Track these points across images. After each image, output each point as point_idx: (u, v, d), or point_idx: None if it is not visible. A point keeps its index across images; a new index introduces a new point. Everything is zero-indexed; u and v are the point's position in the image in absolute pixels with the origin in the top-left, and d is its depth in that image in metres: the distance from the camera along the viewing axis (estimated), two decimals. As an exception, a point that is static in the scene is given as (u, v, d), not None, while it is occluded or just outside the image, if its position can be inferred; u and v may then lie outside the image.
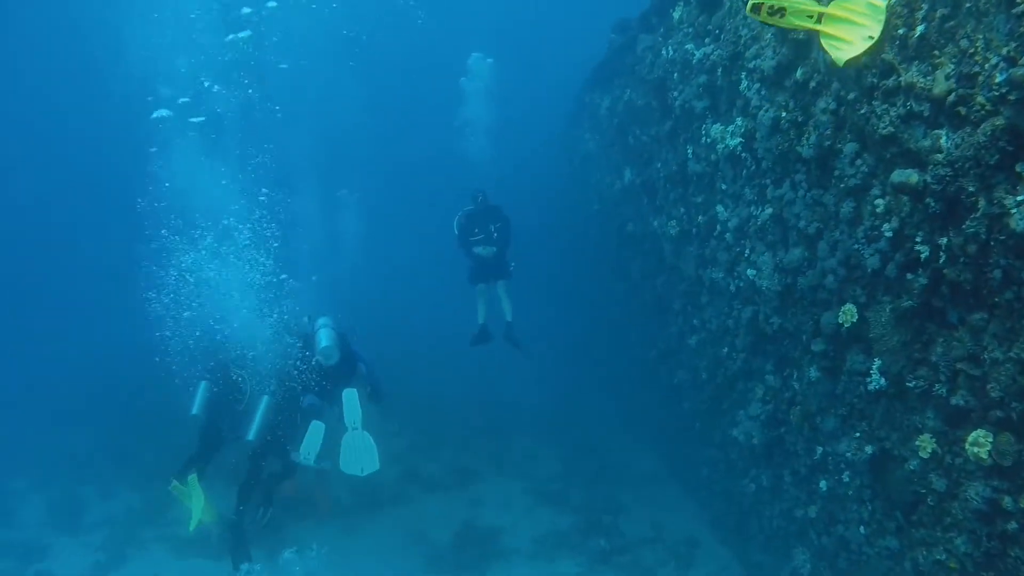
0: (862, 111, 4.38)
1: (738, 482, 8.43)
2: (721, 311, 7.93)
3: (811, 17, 4.18)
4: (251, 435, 8.48)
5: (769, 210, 6.00)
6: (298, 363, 9.04)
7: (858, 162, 4.53)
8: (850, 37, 4.16)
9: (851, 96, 4.47)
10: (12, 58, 25.69)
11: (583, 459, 12.49)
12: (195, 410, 8.67)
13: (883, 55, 4.10)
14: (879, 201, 4.37)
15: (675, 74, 7.99)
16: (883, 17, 4.07)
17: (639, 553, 9.60)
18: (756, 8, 4.15)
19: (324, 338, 8.94)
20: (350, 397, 8.79)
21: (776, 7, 4.14)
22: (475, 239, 11.63)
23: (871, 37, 4.11)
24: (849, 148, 4.58)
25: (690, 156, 7.91)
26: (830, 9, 4.19)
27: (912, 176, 3.82)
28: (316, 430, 8.75)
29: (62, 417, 15.72)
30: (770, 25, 4.37)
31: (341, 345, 9.13)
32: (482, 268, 11.87)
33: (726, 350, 8.03)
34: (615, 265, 12.78)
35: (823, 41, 4.27)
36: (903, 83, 3.95)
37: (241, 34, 9.63)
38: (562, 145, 17.75)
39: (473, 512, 10.99)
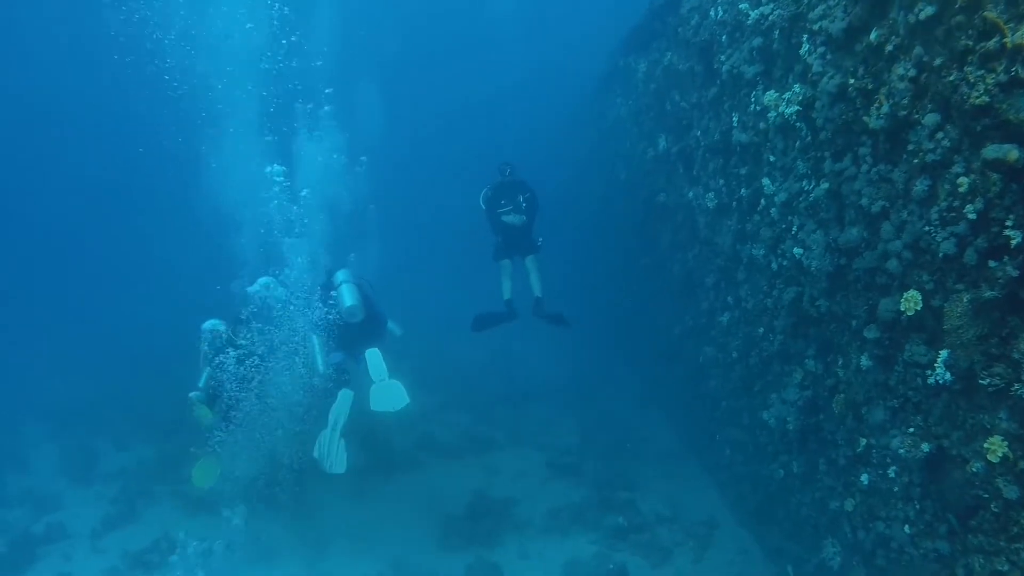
0: (950, 78, 3.94)
1: (766, 466, 8.13)
2: (760, 289, 7.54)
3: None
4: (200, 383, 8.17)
5: (825, 185, 5.58)
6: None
7: (939, 135, 4.11)
8: None
9: (937, 61, 4.04)
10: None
11: (601, 432, 12.29)
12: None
13: (984, 13, 3.66)
14: (962, 179, 3.96)
15: (724, 37, 7.51)
16: None
17: (656, 532, 9.43)
18: None
19: (348, 296, 8.59)
20: (373, 356, 8.59)
21: None
22: (503, 210, 11.26)
23: None
24: (930, 119, 4.15)
25: (735, 125, 7.47)
26: None
27: (1012, 152, 3.41)
28: (344, 399, 8.52)
29: (81, 368, 15.73)
30: None
31: (365, 302, 8.80)
32: (509, 241, 11.43)
33: (762, 330, 7.67)
34: (641, 236, 12.38)
35: None
36: (1009, 45, 3.51)
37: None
38: (590, 110, 17.22)
39: (488, 481, 10.86)
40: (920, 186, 4.33)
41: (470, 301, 12.40)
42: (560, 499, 10.19)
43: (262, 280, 8.54)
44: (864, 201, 4.96)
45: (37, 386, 15.35)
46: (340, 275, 8.92)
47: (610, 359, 15.77)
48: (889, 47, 4.50)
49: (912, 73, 4.27)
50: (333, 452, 8.32)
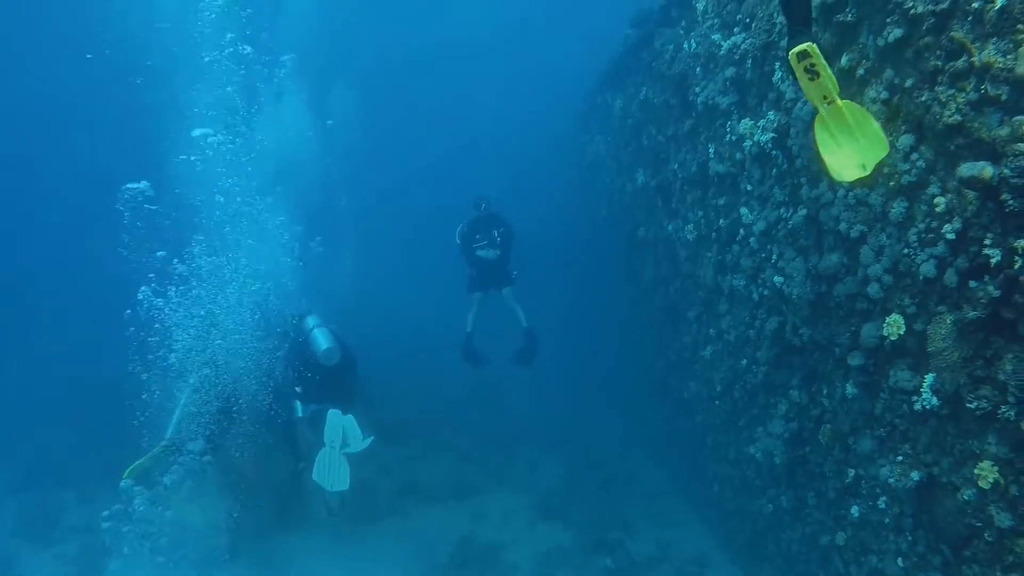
0: (921, 99, 3.92)
1: (754, 501, 7.97)
2: (742, 321, 7.47)
3: (827, 100, 3.85)
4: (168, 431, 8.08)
5: (803, 212, 5.54)
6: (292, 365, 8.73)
7: (914, 156, 4.08)
8: (845, 150, 3.88)
9: (908, 83, 4.02)
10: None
11: (587, 472, 12.06)
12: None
13: (951, 33, 3.65)
14: (939, 199, 3.91)
15: (698, 69, 7.55)
16: (881, 155, 3.75)
17: (646, 573, 9.15)
18: (802, 56, 3.76)
19: (323, 339, 8.53)
20: (334, 418, 8.43)
21: (815, 68, 3.78)
22: (478, 244, 11.40)
23: (863, 167, 3.78)
24: (903, 141, 4.12)
25: (712, 156, 7.47)
26: (844, 105, 3.84)
27: (986, 169, 3.36)
28: (334, 417, 8.43)
29: (45, 419, 15.26)
30: (795, 79, 3.94)
31: (340, 344, 8.69)
32: (484, 275, 11.60)
33: (745, 362, 7.58)
34: (625, 271, 12.34)
35: (817, 132, 4.00)
36: (976, 64, 3.49)
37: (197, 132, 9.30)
38: (570, 148, 17.31)
39: (473, 526, 10.57)
40: (897, 208, 4.29)
41: (452, 318, 12.31)
42: (547, 542, 9.93)
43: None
44: (842, 226, 4.91)
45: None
46: (311, 320, 8.87)
47: (595, 396, 15.61)
48: (860, 71, 4.49)
49: (884, 95, 4.25)
50: (334, 469, 8.16)
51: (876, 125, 3.79)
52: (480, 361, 11.85)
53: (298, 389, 8.74)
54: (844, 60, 4.64)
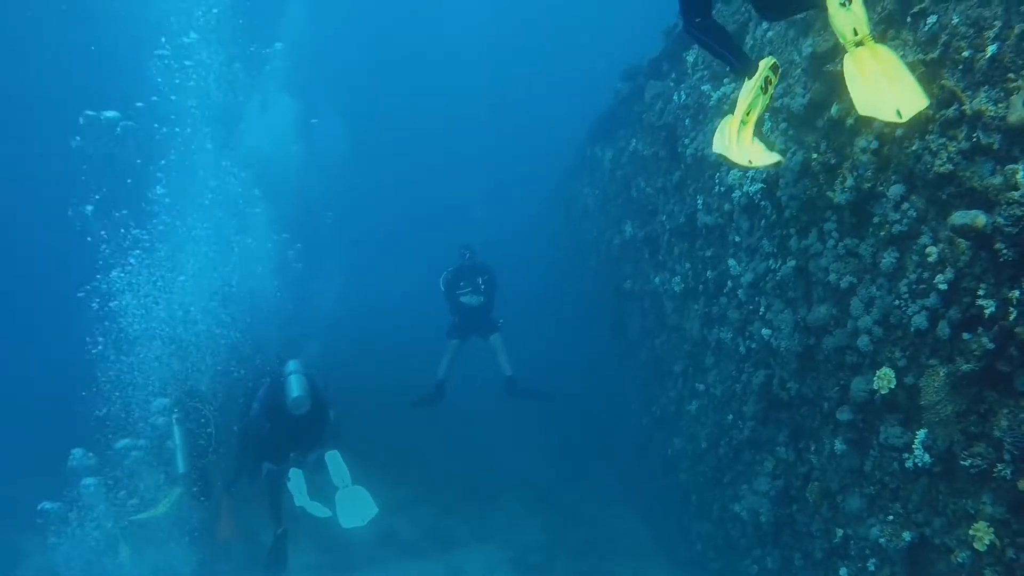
0: (912, 148, 3.89)
1: (739, 562, 7.73)
2: (728, 375, 7.35)
3: (856, 37, 3.48)
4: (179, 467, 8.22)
5: (792, 263, 5.47)
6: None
7: (904, 206, 4.03)
8: (876, 92, 3.44)
9: (899, 132, 3.99)
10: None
11: (569, 528, 11.76)
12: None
13: (942, 81, 3.63)
14: (931, 249, 3.84)
15: (687, 120, 7.58)
16: (921, 107, 3.33)
17: (627, 636, 8.85)
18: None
19: (296, 387, 8.25)
20: (334, 460, 8.27)
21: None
22: (462, 291, 11.35)
23: (899, 114, 3.33)
24: (894, 191, 4.08)
25: (700, 207, 7.44)
26: (877, 49, 3.50)
27: (979, 218, 3.30)
28: (296, 478, 8.24)
29: (10, 465, 14.78)
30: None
31: (312, 393, 8.45)
32: (466, 322, 11.47)
33: (731, 417, 7.43)
34: (612, 324, 12.24)
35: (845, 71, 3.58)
36: (968, 112, 3.46)
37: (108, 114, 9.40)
38: (559, 200, 17.38)
39: (453, 582, 10.26)
40: (888, 259, 4.22)
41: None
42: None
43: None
44: (832, 277, 4.84)
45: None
46: (291, 365, 8.60)
47: (579, 451, 15.34)
48: (850, 120, 4.47)
49: (874, 145, 4.22)
50: (358, 502, 8.10)
51: (912, 77, 3.37)
52: (435, 404, 11.51)
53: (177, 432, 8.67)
54: (834, 110, 4.63)
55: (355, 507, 8.12)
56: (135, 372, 8.67)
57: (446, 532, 11.77)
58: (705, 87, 6.92)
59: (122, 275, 8.87)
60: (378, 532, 11.50)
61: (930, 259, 3.87)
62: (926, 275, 3.94)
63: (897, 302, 4.22)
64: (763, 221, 6.02)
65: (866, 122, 4.25)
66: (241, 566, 9.54)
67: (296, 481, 8.14)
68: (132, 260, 8.95)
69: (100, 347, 8.69)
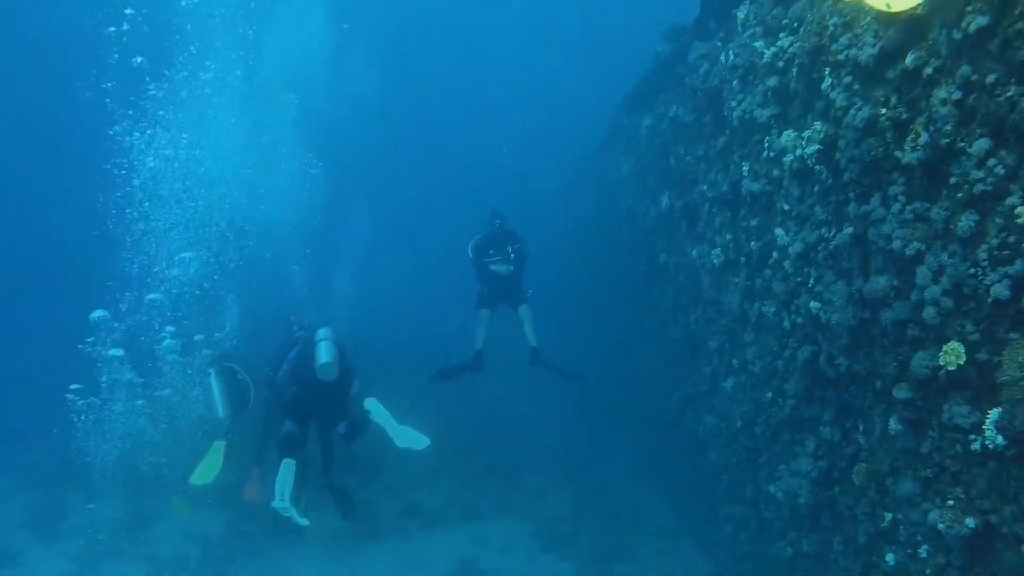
0: (1007, 95, 3.52)
1: (771, 545, 7.47)
2: (769, 350, 7.02)
3: None
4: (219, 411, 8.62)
5: (848, 231, 5.12)
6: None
7: (991, 162, 3.66)
8: None
9: (990, 79, 3.62)
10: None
11: (594, 505, 11.56)
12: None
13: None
14: (1021, 210, 3.49)
15: (735, 81, 7.19)
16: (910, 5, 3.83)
17: (651, 612, 8.65)
18: None
19: (325, 353, 8.35)
20: (375, 406, 8.48)
21: None
22: (491, 259, 11.15)
23: (888, 5, 3.86)
24: (979, 145, 3.71)
25: (746, 174, 7.08)
26: None
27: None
28: (286, 468, 8.20)
29: (56, 421, 14.97)
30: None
31: (341, 361, 8.52)
32: (495, 291, 11.27)
33: (770, 395, 7.12)
34: (643, 299, 11.91)
35: None
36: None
37: None
38: (590, 171, 16.98)
39: (475, 551, 10.22)
40: (965, 222, 3.86)
41: (458, 341, 11.94)
42: (550, 573, 9.48)
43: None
44: (895, 245, 4.48)
45: (8, 437, 14.69)
46: (321, 332, 8.71)
47: (606, 428, 15.13)
48: (928, 70, 4.09)
49: (957, 96, 3.85)
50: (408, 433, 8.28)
51: None
52: (473, 372, 11.26)
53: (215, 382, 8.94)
54: (910, 59, 4.25)
55: (409, 436, 8.36)
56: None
57: (470, 504, 11.67)
58: (757, 44, 6.51)
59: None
60: (403, 503, 11.46)
61: (1019, 221, 3.51)
62: (1012, 239, 3.59)
63: (973, 270, 3.87)
64: (817, 187, 5.66)
65: (948, 71, 3.88)
66: (268, 528, 9.50)
67: (285, 475, 8.07)
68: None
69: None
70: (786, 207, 6.27)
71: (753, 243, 7.11)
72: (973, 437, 4.05)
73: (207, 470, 8.46)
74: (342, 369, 8.53)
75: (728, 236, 7.86)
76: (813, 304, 5.86)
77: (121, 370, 9.05)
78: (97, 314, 9.15)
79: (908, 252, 4.38)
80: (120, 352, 9.16)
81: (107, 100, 9.26)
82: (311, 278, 12.38)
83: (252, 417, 9.37)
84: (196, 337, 9.55)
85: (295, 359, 8.83)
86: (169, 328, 9.38)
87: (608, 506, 11.40)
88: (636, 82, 11.85)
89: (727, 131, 7.57)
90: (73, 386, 9.21)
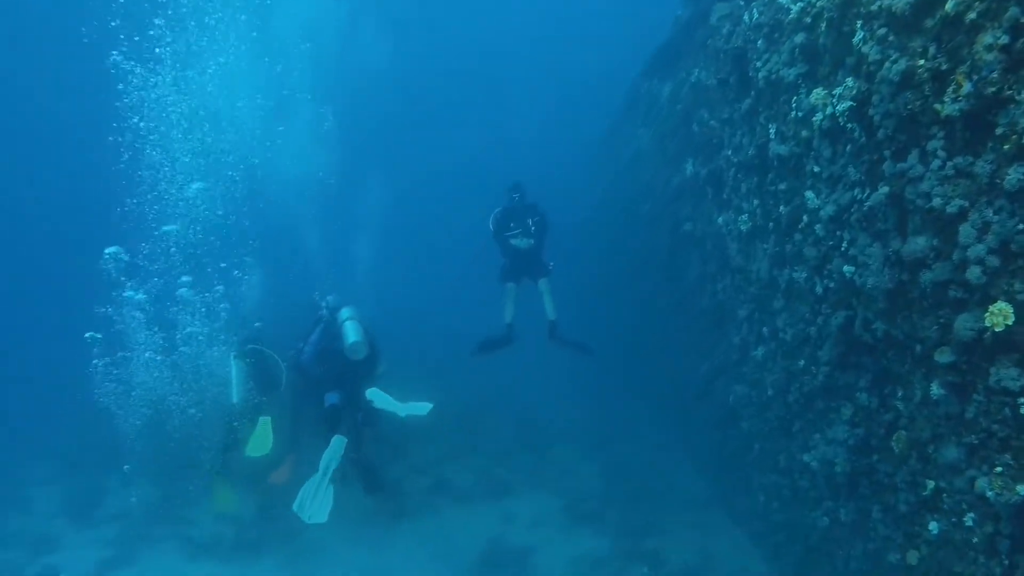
0: (1057, 38, 3.32)
1: (806, 514, 7.36)
2: (801, 317, 6.85)
3: None
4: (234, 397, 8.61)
5: (884, 190, 4.92)
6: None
7: (1042, 111, 3.48)
8: None
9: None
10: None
11: (623, 478, 11.47)
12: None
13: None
14: (1074, 160, 3.31)
15: (759, 41, 6.95)
16: None
17: (685, 584, 8.57)
18: None
19: (353, 332, 8.56)
20: (378, 396, 8.48)
21: None
22: (511, 233, 11.11)
23: None
24: (1028, 93, 3.52)
25: (772, 136, 6.87)
26: None
27: None
28: (337, 445, 8.32)
29: (90, 407, 15.20)
30: None
31: (369, 340, 8.71)
32: (517, 264, 11.28)
33: (803, 363, 6.96)
34: (667, 271, 11.73)
35: None
36: None
37: None
38: (608, 144, 16.73)
39: (503, 527, 10.16)
40: (1013, 176, 3.67)
41: (482, 320, 11.89)
42: (581, 548, 9.42)
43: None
44: (936, 202, 4.29)
45: (44, 421, 14.90)
46: (345, 312, 8.90)
47: (633, 402, 15.02)
48: (971, 15, 3.88)
49: (1004, 40, 3.64)
50: (318, 499, 7.94)
51: None
52: (504, 346, 11.29)
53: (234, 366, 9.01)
54: (950, 5, 4.03)
55: (411, 408, 8.46)
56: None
57: (498, 480, 11.63)
58: (783, 0, 6.29)
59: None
60: (430, 480, 11.46)
61: (1072, 171, 3.33)
62: (1064, 191, 3.41)
63: (1021, 226, 3.69)
64: (849, 146, 5.45)
65: (994, 14, 3.68)
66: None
67: (336, 450, 8.22)
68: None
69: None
70: (816, 169, 6.07)
71: (782, 207, 6.91)
72: (1023, 401, 3.89)
73: (260, 442, 8.55)
74: (370, 348, 8.67)
75: (755, 201, 7.66)
76: (847, 268, 5.68)
77: (139, 316, 9.13)
78: (111, 250, 9.16)
79: (949, 210, 4.20)
80: (139, 295, 9.24)
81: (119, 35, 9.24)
82: (328, 242, 12.35)
83: (281, 400, 9.47)
84: (217, 287, 9.59)
85: (320, 339, 8.89)
86: (186, 278, 9.42)
87: (638, 479, 11.30)
88: (655, 48, 11.59)
89: (752, 93, 7.34)
90: (89, 334, 9.28)
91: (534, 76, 28.64)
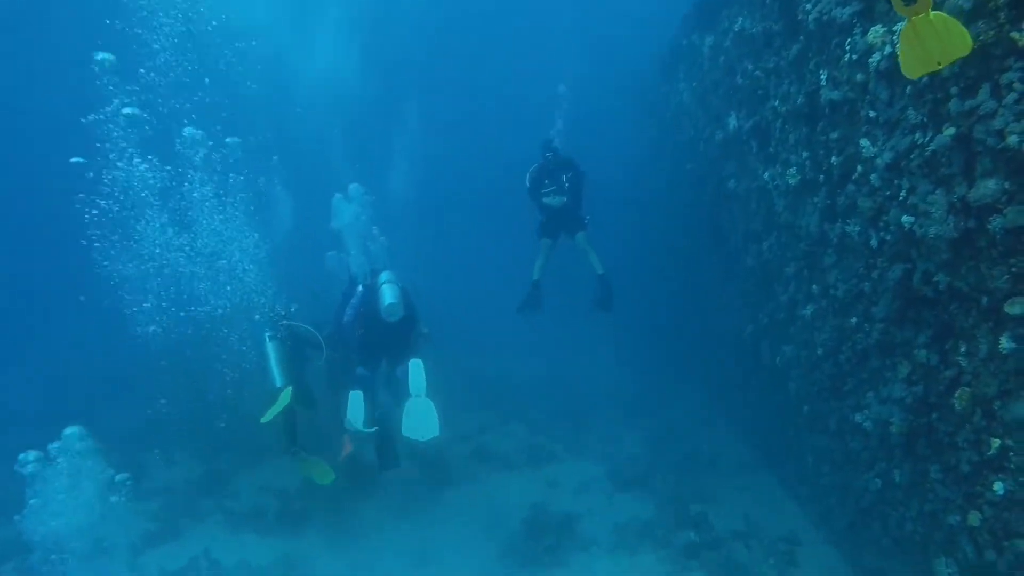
0: None
1: (858, 476, 7.14)
2: (854, 273, 6.57)
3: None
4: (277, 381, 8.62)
5: (949, 132, 4.62)
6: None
7: None
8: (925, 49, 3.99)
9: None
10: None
11: (668, 443, 11.32)
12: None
13: None
14: None
15: (810, -19, 6.61)
16: (962, 54, 3.89)
17: (732, 549, 8.45)
18: None
19: (388, 294, 8.58)
20: (416, 367, 8.36)
21: None
22: (546, 191, 11.09)
23: (938, 63, 4.01)
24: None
25: (824, 83, 6.54)
26: (935, 16, 3.91)
27: None
28: (356, 399, 8.45)
29: (133, 383, 15.43)
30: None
31: (405, 302, 8.72)
32: (553, 221, 11.29)
33: (855, 320, 6.69)
34: (710, 230, 11.43)
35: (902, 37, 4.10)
36: None
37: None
38: (649, 104, 16.31)
39: (548, 495, 10.10)
40: (1098, 106, 3.38)
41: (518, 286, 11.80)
42: (626, 514, 9.31)
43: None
44: (1011, 140, 4.00)
45: (87, 400, 15.13)
46: (384, 275, 8.92)
47: (677, 366, 14.81)
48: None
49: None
50: (425, 417, 8.14)
51: (962, 28, 3.84)
52: (537, 308, 11.42)
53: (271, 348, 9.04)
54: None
55: (421, 420, 8.10)
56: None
57: (540, 448, 11.56)
58: (835, -65, 5.94)
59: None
60: (473, 448, 11.43)
61: None
62: None
63: (1107, 161, 3.41)
64: (909, 87, 5.13)
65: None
66: (343, 481, 9.61)
67: (355, 404, 8.32)
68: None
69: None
70: (872, 114, 5.75)
71: (834, 158, 6.60)
72: (1105, 350, 3.63)
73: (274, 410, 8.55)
74: (407, 310, 8.71)
75: (804, 153, 7.35)
76: (906, 218, 5.39)
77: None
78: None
79: (1026, 147, 3.90)
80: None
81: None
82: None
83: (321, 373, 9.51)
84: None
85: (359, 303, 8.94)
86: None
87: (682, 444, 11.14)
88: (694, 1, 11.21)
89: (801, 38, 6.99)
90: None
91: (573, 27, 28.10)
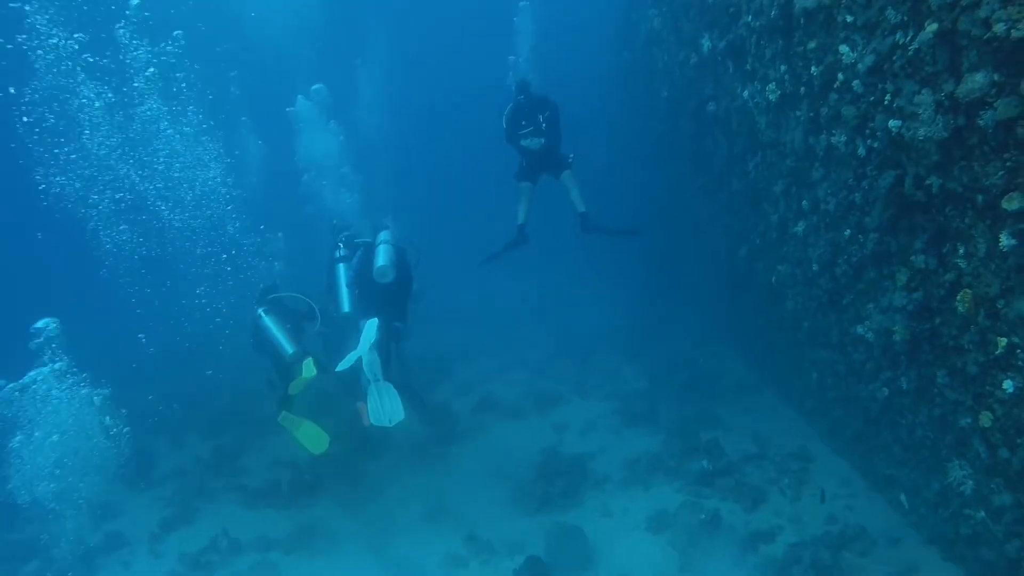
0: None
1: (864, 387, 7.13)
2: (843, 184, 6.45)
3: None
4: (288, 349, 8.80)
5: (932, 27, 4.45)
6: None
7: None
8: None
9: None
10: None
11: (670, 374, 11.32)
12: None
13: None
14: None
15: None
16: None
17: (745, 472, 8.50)
18: None
19: (382, 256, 8.61)
20: (371, 354, 8.12)
21: None
22: (523, 132, 10.66)
23: None
24: None
25: (797, -9, 6.32)
26: None
27: None
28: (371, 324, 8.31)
29: (133, 369, 15.37)
30: None
31: (399, 263, 8.75)
32: (533, 163, 10.93)
33: (849, 232, 6.59)
34: (692, 157, 11.25)
35: None
36: None
37: None
38: (617, 36, 15.97)
39: (557, 438, 10.15)
40: (1090, -17, 3.23)
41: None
42: (636, 448, 9.36)
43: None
44: (998, 28, 3.84)
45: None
46: (383, 235, 8.94)
47: (671, 297, 14.78)
48: None
49: None
50: (384, 401, 8.01)
51: None
52: (516, 248, 11.04)
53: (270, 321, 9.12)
54: None
55: (385, 405, 8.04)
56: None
57: (545, 392, 11.59)
58: None
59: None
60: (478, 399, 11.44)
61: None
62: None
63: (1102, 41, 3.27)
64: (887, -14, 4.95)
65: None
66: (351, 447, 9.62)
67: (370, 330, 8.14)
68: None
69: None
70: (849, 19, 5.56)
71: (813, 68, 6.42)
72: (1109, 238, 3.54)
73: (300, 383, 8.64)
74: (400, 272, 8.70)
75: (783, 67, 7.15)
76: (892, 123, 5.24)
77: None
78: None
79: (1015, 34, 3.74)
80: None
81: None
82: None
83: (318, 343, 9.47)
84: None
85: (358, 263, 9.02)
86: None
87: (684, 374, 11.14)
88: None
89: (770, -53, 6.75)
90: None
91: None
